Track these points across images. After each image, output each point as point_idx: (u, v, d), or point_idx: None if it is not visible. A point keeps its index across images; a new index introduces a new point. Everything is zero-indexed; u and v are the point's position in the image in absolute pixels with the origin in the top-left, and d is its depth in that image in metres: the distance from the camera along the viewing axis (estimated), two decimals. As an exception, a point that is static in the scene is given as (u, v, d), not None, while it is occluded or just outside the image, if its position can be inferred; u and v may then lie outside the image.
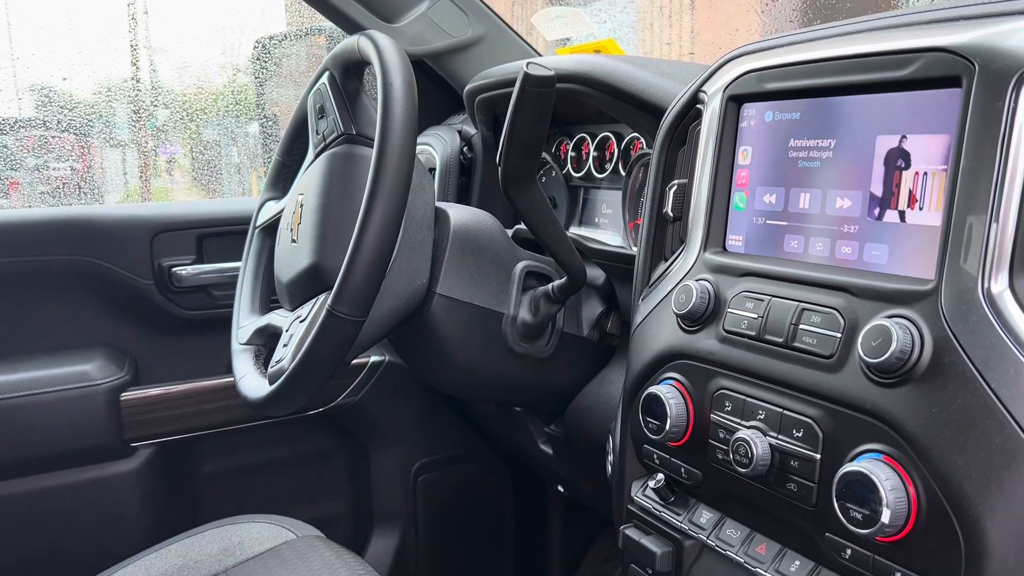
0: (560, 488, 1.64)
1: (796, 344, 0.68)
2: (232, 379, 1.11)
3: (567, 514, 1.76)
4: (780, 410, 0.69)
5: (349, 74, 1.06)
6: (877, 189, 0.67)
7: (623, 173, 1.20)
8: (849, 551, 0.63)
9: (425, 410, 1.72)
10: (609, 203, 1.25)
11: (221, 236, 1.60)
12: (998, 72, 0.57)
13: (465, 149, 1.47)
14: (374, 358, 1.65)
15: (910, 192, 0.64)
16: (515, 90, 0.85)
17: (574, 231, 1.29)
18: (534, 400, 1.25)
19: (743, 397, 0.73)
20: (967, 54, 0.59)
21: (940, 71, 0.61)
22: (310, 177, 1.08)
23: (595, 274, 1.17)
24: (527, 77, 0.83)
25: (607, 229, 1.25)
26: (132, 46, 1.96)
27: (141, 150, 2.08)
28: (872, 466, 0.59)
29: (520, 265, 1.10)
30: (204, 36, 2.14)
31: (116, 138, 2.04)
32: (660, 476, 0.83)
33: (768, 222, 0.77)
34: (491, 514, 1.80)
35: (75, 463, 1.45)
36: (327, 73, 1.08)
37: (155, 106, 2.05)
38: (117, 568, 1.15)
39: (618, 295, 1.15)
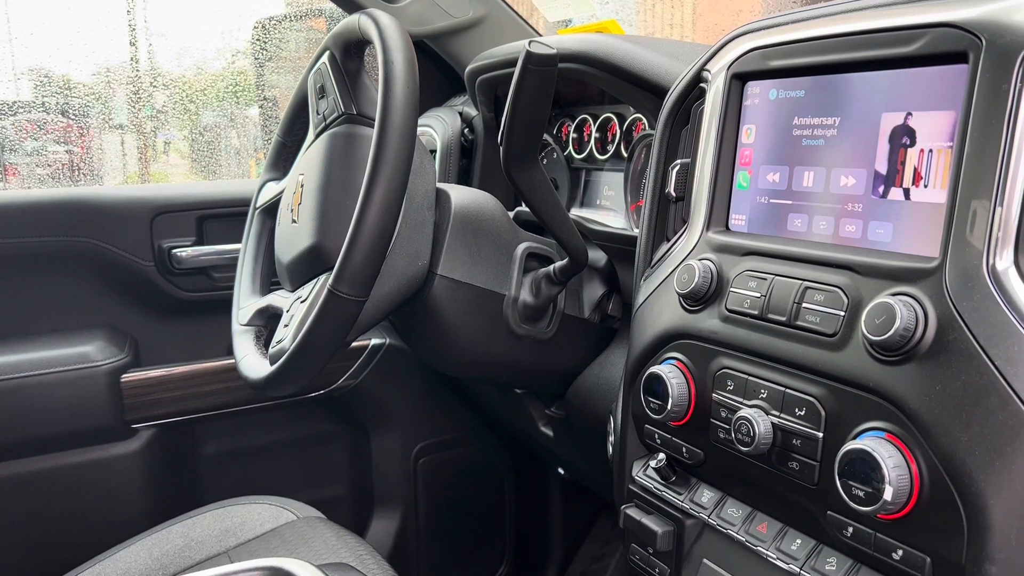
0: (560, 470, 1.64)
1: (799, 323, 0.68)
2: (233, 361, 1.11)
3: (567, 496, 1.77)
4: (783, 389, 0.69)
5: (350, 53, 1.05)
6: (882, 167, 0.67)
7: (625, 155, 1.20)
8: (851, 529, 0.63)
9: (425, 393, 1.72)
10: (611, 185, 1.25)
11: (221, 218, 1.59)
12: (1005, 47, 0.57)
13: (466, 131, 1.46)
14: (375, 341, 1.65)
15: (915, 170, 0.64)
16: (517, 69, 0.84)
17: (576, 213, 1.29)
18: (535, 382, 1.25)
19: (745, 376, 0.73)
20: (974, 29, 0.59)
21: (947, 47, 0.61)
22: (310, 157, 1.08)
23: (597, 256, 1.16)
24: (529, 55, 0.83)
25: (609, 211, 1.24)
26: (131, 25, 1.94)
27: (140, 132, 2.07)
28: (875, 444, 0.59)
29: (521, 246, 1.09)
30: (202, 19, 2.13)
31: (114, 121, 2.03)
32: (661, 456, 0.83)
33: (771, 201, 0.76)
34: (491, 496, 1.81)
35: (76, 444, 1.45)
36: (327, 52, 1.07)
37: (154, 87, 2.04)
38: (118, 549, 1.16)
39: (620, 277, 1.15)
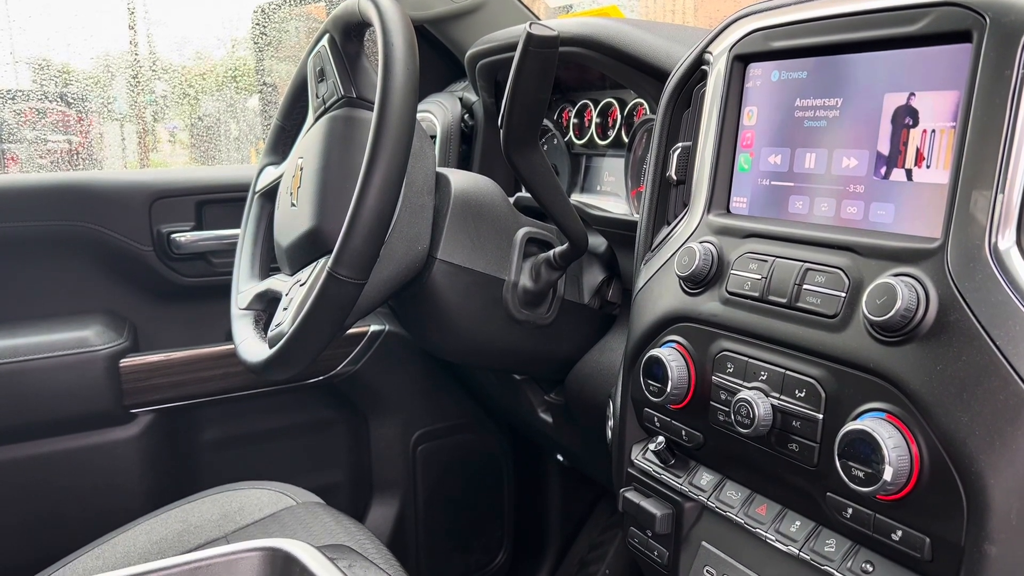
0: (559, 457, 1.64)
1: (800, 304, 0.68)
2: (231, 347, 1.11)
3: (566, 483, 1.77)
4: (782, 371, 0.69)
5: (349, 36, 1.04)
6: (884, 148, 0.66)
7: (626, 140, 1.19)
8: (850, 510, 0.63)
9: (425, 379, 1.72)
10: (612, 170, 1.24)
11: (220, 203, 1.59)
12: (1009, 25, 0.56)
13: (466, 116, 1.46)
14: (374, 327, 1.65)
15: (917, 150, 0.64)
16: (518, 51, 0.84)
17: (576, 199, 1.28)
18: (534, 368, 1.25)
19: (745, 358, 0.72)
20: (978, 7, 0.58)
21: (951, 25, 0.60)
22: (310, 141, 1.07)
23: (597, 241, 1.16)
24: (530, 37, 0.82)
25: (609, 196, 1.24)
26: (130, 9, 1.93)
27: (140, 119, 2.06)
28: (875, 424, 0.59)
29: (521, 231, 1.09)
30: (202, 8, 2.12)
31: (114, 111, 2.02)
32: (660, 439, 0.82)
33: (773, 183, 0.76)
34: (490, 483, 1.81)
35: (75, 429, 1.45)
36: (327, 35, 1.06)
37: (153, 71, 2.03)
38: (117, 533, 1.16)
39: (620, 263, 1.15)
